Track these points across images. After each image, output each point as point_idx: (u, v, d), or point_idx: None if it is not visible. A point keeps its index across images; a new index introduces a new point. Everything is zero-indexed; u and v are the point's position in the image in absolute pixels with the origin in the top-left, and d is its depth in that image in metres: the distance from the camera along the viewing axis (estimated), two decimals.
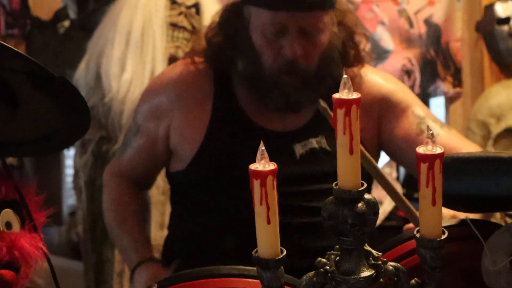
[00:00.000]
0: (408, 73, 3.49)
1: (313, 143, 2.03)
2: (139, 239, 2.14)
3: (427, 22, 3.49)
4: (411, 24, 3.48)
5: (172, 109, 2.07)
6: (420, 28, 3.48)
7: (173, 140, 2.08)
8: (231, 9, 2.06)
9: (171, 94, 2.08)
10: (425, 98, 3.57)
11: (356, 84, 2.03)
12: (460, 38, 3.50)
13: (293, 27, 1.94)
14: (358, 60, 2.09)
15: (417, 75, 3.49)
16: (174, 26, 3.13)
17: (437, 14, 3.49)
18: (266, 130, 2.03)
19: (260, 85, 2.00)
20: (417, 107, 2.09)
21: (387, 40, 3.49)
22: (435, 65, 3.51)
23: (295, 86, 1.98)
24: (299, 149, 2.03)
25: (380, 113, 2.08)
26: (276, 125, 2.04)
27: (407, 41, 3.49)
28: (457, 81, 3.51)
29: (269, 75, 1.98)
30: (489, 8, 3.50)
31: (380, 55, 3.46)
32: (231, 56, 2.04)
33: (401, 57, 3.49)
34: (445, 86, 3.51)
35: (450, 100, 3.61)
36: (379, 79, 2.13)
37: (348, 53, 2.07)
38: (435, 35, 3.49)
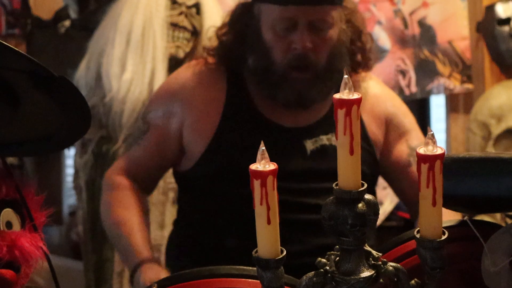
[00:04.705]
0: (402, 72, 3.51)
1: (324, 139, 2.06)
2: (139, 240, 2.07)
3: (421, 23, 3.51)
4: (405, 25, 3.50)
5: (185, 108, 2.09)
6: (414, 29, 3.50)
7: (185, 138, 2.09)
8: (242, 8, 2.10)
9: (184, 94, 2.11)
10: (423, 95, 3.59)
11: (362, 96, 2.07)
12: (468, 36, 3.51)
13: (303, 22, 1.97)
14: (366, 60, 2.12)
15: (411, 74, 3.52)
16: (174, 26, 3.13)
17: (432, 16, 3.51)
18: (278, 126, 2.06)
19: (271, 81, 2.03)
20: (413, 135, 2.13)
21: (384, 40, 3.52)
22: (432, 64, 3.52)
23: (306, 81, 2.01)
24: (309, 145, 2.05)
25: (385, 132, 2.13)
26: (288, 121, 2.07)
27: (401, 41, 3.52)
28: (466, 77, 3.53)
29: (280, 71, 2.00)
30: (490, 8, 3.50)
31: (377, 54, 3.48)
32: (242, 53, 2.07)
33: (396, 57, 3.51)
34: (451, 83, 3.53)
35: (454, 97, 3.61)
36: (384, 98, 2.16)
37: (356, 53, 2.10)
38: (429, 36, 3.51)
